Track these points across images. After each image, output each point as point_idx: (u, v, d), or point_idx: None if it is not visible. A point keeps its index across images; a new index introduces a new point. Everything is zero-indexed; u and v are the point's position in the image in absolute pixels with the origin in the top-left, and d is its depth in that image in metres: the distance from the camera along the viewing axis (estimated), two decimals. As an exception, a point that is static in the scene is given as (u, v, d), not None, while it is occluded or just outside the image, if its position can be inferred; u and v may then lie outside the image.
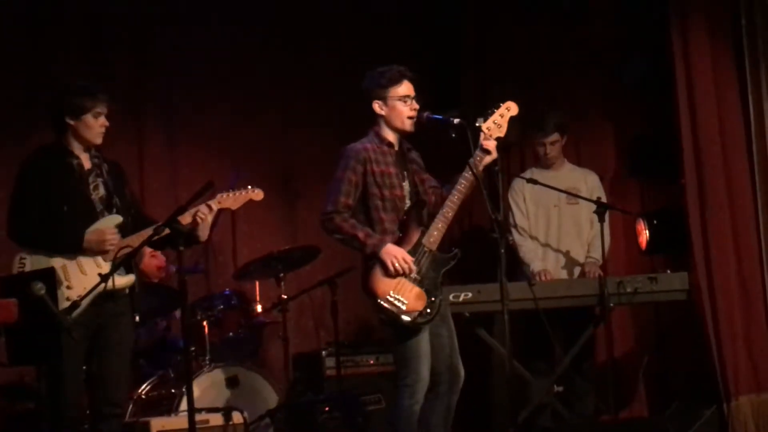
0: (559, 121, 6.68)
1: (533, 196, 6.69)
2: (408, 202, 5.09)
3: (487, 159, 5.00)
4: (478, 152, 4.97)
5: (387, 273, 4.90)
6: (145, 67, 7.23)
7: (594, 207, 6.38)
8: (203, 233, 4.97)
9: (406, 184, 5.11)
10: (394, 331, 4.96)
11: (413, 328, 4.91)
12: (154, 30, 7.24)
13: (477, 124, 5.04)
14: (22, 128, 6.62)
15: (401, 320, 4.88)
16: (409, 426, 4.93)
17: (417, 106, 5.07)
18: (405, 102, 5.06)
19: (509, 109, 5.13)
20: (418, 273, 4.94)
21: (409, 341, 4.91)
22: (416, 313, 4.89)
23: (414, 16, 7.81)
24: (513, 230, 6.69)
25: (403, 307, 4.87)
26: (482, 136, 5.00)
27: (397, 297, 4.88)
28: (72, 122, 4.90)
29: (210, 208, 4.94)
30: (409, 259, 4.92)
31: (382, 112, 5.08)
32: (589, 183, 6.73)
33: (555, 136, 6.66)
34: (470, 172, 4.94)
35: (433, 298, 4.94)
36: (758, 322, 6.35)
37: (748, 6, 6.41)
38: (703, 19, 6.41)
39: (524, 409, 6.27)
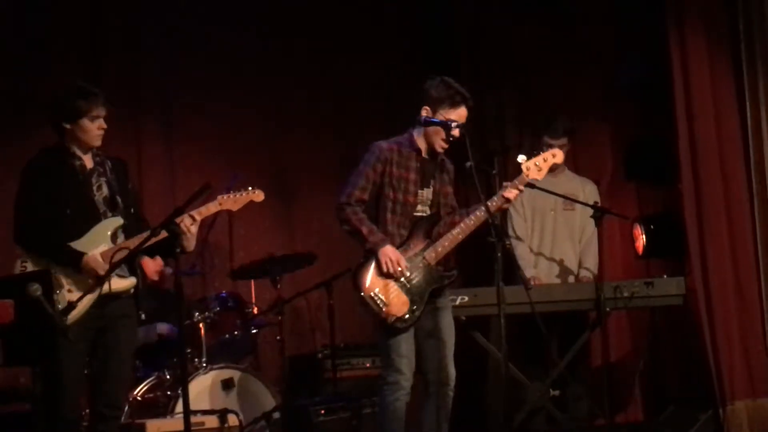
0: (569, 126, 6.67)
1: (530, 200, 6.69)
2: (421, 209, 5.14)
3: (505, 205, 5.11)
4: (496, 198, 5.06)
5: (380, 272, 4.96)
6: (142, 68, 7.23)
7: (590, 214, 6.37)
8: (189, 244, 4.91)
9: (425, 192, 5.16)
10: (379, 329, 5.04)
11: (388, 328, 4.98)
12: (152, 31, 7.23)
13: (518, 160, 5.16)
14: (19, 128, 6.61)
15: (378, 318, 4.96)
16: (394, 422, 4.98)
17: (457, 135, 5.06)
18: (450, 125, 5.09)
19: (555, 156, 5.27)
20: (409, 281, 5.00)
21: (390, 340, 5.00)
22: (394, 317, 4.96)
23: (410, 16, 7.81)
24: (510, 231, 6.69)
25: (383, 308, 4.95)
26: (507, 185, 5.10)
27: (380, 296, 4.95)
28: (68, 126, 4.86)
29: (193, 218, 4.90)
30: (404, 265, 4.98)
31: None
32: (587, 192, 6.72)
33: (563, 140, 6.65)
34: (483, 210, 4.97)
35: (414, 308, 5.00)
36: (754, 328, 6.35)
37: (745, 10, 6.41)
38: (700, 22, 6.41)
39: (519, 413, 6.27)
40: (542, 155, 5.19)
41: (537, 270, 6.66)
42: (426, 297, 5.04)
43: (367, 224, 5.03)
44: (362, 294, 4.97)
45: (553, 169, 6.65)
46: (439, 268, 5.09)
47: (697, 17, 6.41)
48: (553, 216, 6.70)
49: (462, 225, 5.06)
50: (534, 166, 5.16)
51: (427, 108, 5.11)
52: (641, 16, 6.89)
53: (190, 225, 4.88)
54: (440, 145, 5.12)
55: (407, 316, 4.98)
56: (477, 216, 5.04)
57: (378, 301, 4.95)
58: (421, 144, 5.16)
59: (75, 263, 4.79)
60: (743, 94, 6.41)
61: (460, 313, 6.08)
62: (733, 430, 6.21)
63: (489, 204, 4.97)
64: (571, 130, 6.72)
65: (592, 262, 6.61)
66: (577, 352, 6.37)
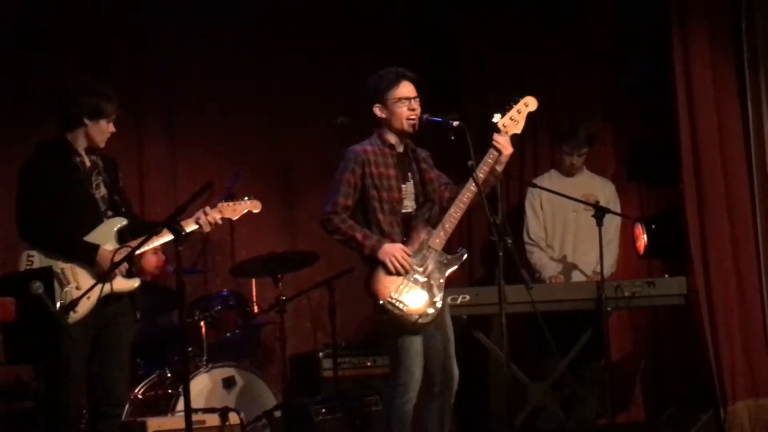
0: (591, 133, 6.68)
1: (551, 201, 6.68)
2: (407, 205, 5.08)
3: (503, 158, 4.97)
4: (492, 151, 4.94)
5: (388, 272, 4.90)
6: (144, 67, 7.22)
7: (611, 216, 6.36)
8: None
9: (407, 186, 5.10)
10: (390, 331, 4.97)
11: (412, 329, 4.91)
12: (154, 29, 7.23)
13: (494, 120, 5.03)
14: (20, 127, 6.60)
15: (403, 322, 4.89)
16: (402, 425, 4.94)
17: (416, 107, 5.05)
18: (404, 103, 5.04)
19: (528, 104, 5.10)
20: (422, 274, 4.94)
21: (403, 341, 4.92)
22: (417, 315, 4.89)
23: (414, 15, 7.81)
24: (525, 236, 6.69)
25: (405, 309, 4.87)
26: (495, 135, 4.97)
27: (398, 299, 4.88)
28: (88, 122, 4.92)
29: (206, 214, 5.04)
30: (409, 259, 4.91)
31: (383, 116, 5.06)
32: (607, 192, 6.73)
33: (585, 149, 6.68)
34: (473, 184, 4.90)
35: (435, 299, 4.94)
36: (756, 327, 6.35)
37: (748, 10, 6.41)
38: (703, 22, 6.41)
39: (522, 413, 6.27)
40: (515, 108, 5.06)
41: (558, 269, 6.66)
42: (442, 285, 4.97)
43: (360, 230, 4.96)
44: (380, 302, 4.88)
45: (572, 173, 6.73)
46: (446, 253, 5.01)
47: (700, 16, 6.41)
48: (575, 217, 6.69)
49: (458, 202, 4.95)
50: (510, 122, 5.04)
51: (378, 105, 5.05)
52: (644, 16, 6.89)
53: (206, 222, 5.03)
54: (408, 123, 5.04)
55: (430, 310, 4.91)
56: (470, 190, 4.93)
57: (398, 305, 4.86)
58: (392, 139, 5.09)
59: (90, 256, 4.81)
60: (745, 94, 6.42)
61: (462, 312, 6.08)
62: (734, 430, 6.21)
63: (477, 174, 4.87)
64: (594, 138, 6.72)
65: (607, 262, 6.53)
66: (583, 352, 6.36)
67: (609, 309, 6.15)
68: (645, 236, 6.74)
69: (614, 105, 7.27)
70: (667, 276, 6.40)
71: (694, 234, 6.36)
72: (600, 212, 6.22)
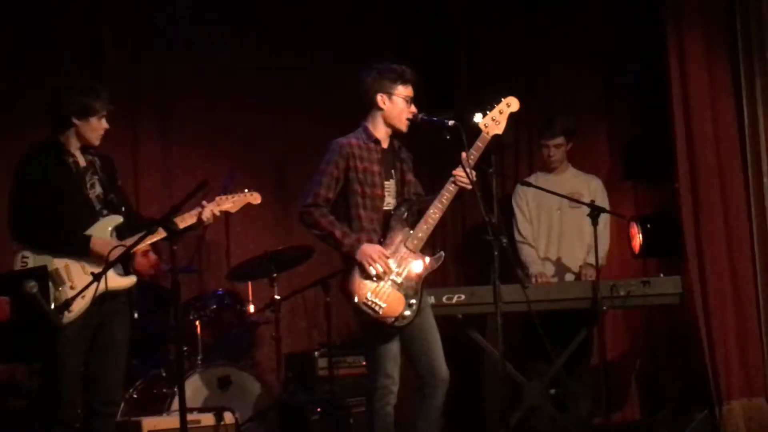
0: (567, 126, 6.69)
1: (536, 199, 6.70)
2: (388, 202, 5.07)
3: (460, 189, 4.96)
4: (450, 187, 4.94)
5: (365, 275, 4.89)
6: (140, 66, 7.22)
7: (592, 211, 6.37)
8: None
9: (390, 183, 5.09)
10: (368, 334, 4.97)
11: (388, 333, 4.91)
12: (149, 28, 7.23)
13: (475, 120, 5.03)
14: (18, 128, 6.59)
15: (378, 324, 4.88)
16: (383, 427, 4.94)
17: (415, 110, 5.07)
18: (408, 103, 5.06)
19: (509, 104, 5.12)
20: (399, 276, 4.93)
21: (380, 344, 4.93)
22: (393, 318, 4.88)
23: (408, 14, 7.82)
24: (515, 234, 6.69)
25: (380, 311, 4.86)
26: (458, 171, 4.95)
27: (374, 300, 4.86)
28: (77, 122, 4.89)
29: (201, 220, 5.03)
30: (386, 261, 4.89)
31: (384, 107, 5.06)
32: (592, 188, 6.73)
33: (560, 140, 6.68)
34: (453, 185, 4.93)
35: (411, 301, 4.92)
36: (750, 327, 6.35)
37: (743, 9, 6.41)
38: (698, 22, 6.42)
39: (517, 412, 6.27)
40: (497, 108, 5.07)
41: (545, 267, 6.66)
42: (420, 287, 4.95)
43: (339, 226, 4.93)
44: (355, 302, 4.86)
45: (554, 168, 6.74)
46: (424, 255, 4.99)
47: (695, 16, 6.41)
48: (559, 214, 6.70)
49: (437, 203, 4.95)
50: (492, 122, 5.04)
51: (383, 95, 5.03)
52: (640, 16, 6.90)
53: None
54: (405, 124, 5.06)
55: (407, 312, 4.89)
56: (449, 191, 4.95)
57: (373, 305, 4.85)
58: (379, 134, 5.08)
59: (83, 247, 4.80)
60: (740, 93, 6.41)
61: (457, 312, 6.10)
62: (729, 430, 6.21)
63: (459, 173, 4.91)
64: (570, 131, 6.72)
65: (593, 258, 6.51)
66: (578, 351, 6.37)
67: (604, 308, 6.15)
68: (640, 236, 6.75)
69: (610, 104, 7.28)
70: (662, 275, 6.41)
71: (689, 233, 6.36)
72: (595, 211, 6.22)
